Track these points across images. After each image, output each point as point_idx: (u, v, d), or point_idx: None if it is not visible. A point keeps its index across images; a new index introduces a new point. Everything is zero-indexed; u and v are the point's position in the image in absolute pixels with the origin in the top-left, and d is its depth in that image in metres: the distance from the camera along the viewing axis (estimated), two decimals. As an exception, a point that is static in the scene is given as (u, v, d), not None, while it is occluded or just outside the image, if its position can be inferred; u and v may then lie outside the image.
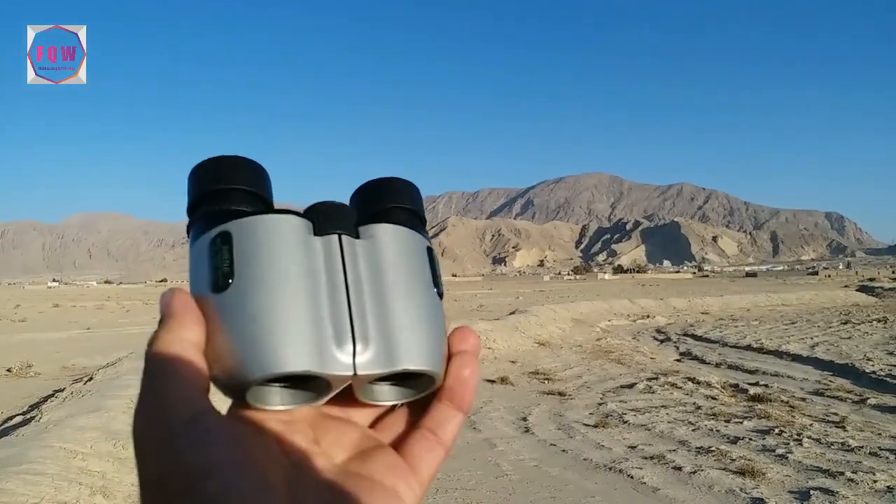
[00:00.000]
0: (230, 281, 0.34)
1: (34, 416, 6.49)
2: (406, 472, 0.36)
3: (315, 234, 0.37)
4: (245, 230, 0.36)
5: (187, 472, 0.29)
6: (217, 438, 0.30)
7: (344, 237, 0.38)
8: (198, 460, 0.29)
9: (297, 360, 0.33)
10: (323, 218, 0.38)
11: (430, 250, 0.41)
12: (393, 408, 0.39)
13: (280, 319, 0.34)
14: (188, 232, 0.38)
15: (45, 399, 8.15)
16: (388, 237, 0.39)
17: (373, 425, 0.39)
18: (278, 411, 0.35)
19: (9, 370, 11.25)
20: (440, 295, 0.39)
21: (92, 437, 5.41)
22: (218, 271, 0.35)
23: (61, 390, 8.38)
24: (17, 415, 7.53)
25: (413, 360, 0.36)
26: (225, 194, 0.38)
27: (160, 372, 0.32)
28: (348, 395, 0.36)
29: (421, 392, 0.38)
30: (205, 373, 0.33)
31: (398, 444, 0.37)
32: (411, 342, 0.36)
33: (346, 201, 0.42)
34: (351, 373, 0.34)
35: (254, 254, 0.35)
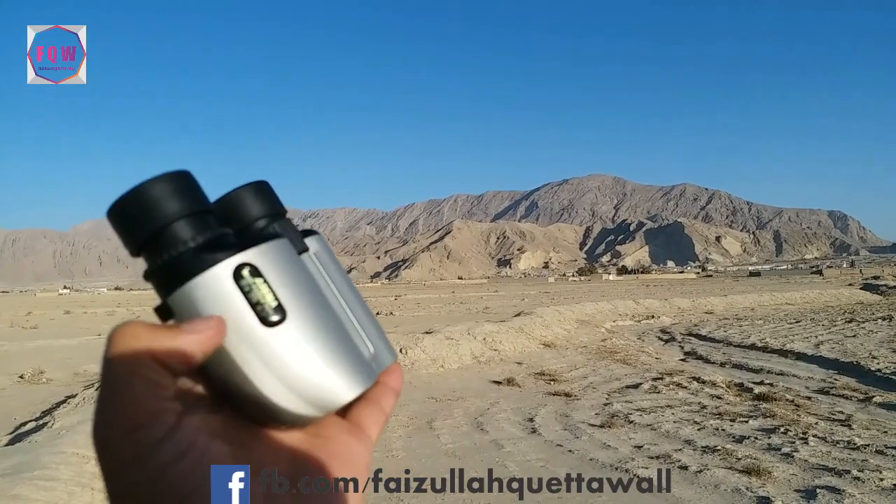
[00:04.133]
0: (280, 316, 0.34)
1: (47, 422, 6.55)
2: (357, 432, 0.41)
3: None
4: (267, 260, 0.35)
5: (164, 495, 0.29)
6: (194, 455, 0.31)
7: (311, 254, 0.42)
8: (175, 482, 0.30)
9: (361, 382, 0.37)
10: (293, 236, 0.41)
11: None
12: None
13: (337, 346, 0.36)
14: (150, 276, 0.35)
15: (58, 405, 8.21)
16: (322, 248, 0.44)
17: None
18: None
19: (21, 377, 11.30)
20: None
21: (104, 442, 5.45)
22: (265, 307, 0.34)
23: (73, 396, 8.45)
24: (30, 421, 7.59)
25: (393, 352, 0.44)
26: (182, 226, 0.34)
27: (125, 376, 0.31)
28: None
29: None
30: (164, 379, 0.32)
31: (343, 413, 0.41)
32: (384, 339, 0.44)
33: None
34: (375, 380, 0.40)
35: (289, 284, 0.35)
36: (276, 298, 0.34)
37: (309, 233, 0.44)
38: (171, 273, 0.34)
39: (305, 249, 0.42)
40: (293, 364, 0.34)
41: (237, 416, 0.36)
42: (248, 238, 0.36)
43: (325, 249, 0.44)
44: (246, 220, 0.41)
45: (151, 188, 0.34)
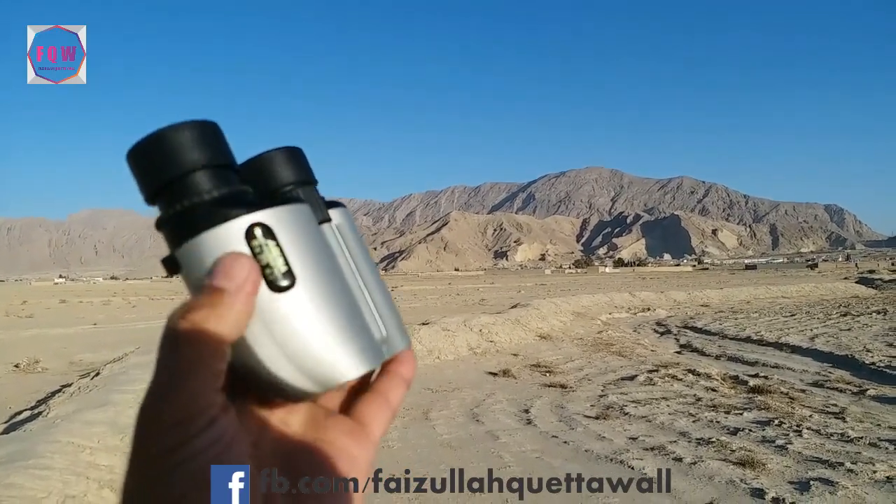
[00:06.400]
0: (289, 282, 0.33)
1: (42, 412, 6.54)
2: (359, 432, 0.39)
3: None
4: (283, 223, 0.33)
5: (186, 482, 0.30)
6: (227, 445, 0.31)
7: (333, 225, 0.40)
8: (202, 468, 0.30)
9: (371, 359, 0.35)
10: (315, 204, 0.39)
11: None
12: None
13: (348, 318, 0.35)
14: (162, 224, 0.34)
15: (53, 394, 8.21)
16: (346, 222, 0.42)
17: None
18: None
19: (16, 366, 11.30)
20: None
21: (99, 431, 5.46)
22: (273, 269, 0.33)
23: (68, 385, 8.44)
24: (25, 410, 7.59)
25: (406, 337, 0.41)
26: (205, 175, 0.33)
27: (189, 366, 0.31)
28: None
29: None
30: (224, 367, 0.32)
31: (346, 409, 0.40)
32: (399, 321, 0.42)
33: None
34: (387, 357, 0.39)
35: (304, 250, 0.34)
36: (287, 263, 0.33)
37: (334, 204, 0.42)
38: (182, 223, 0.33)
39: (328, 220, 0.40)
40: (296, 334, 0.33)
41: (243, 407, 0.35)
42: (269, 200, 0.34)
43: (349, 223, 0.42)
44: (274, 184, 0.40)
45: (176, 134, 0.33)
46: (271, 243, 0.33)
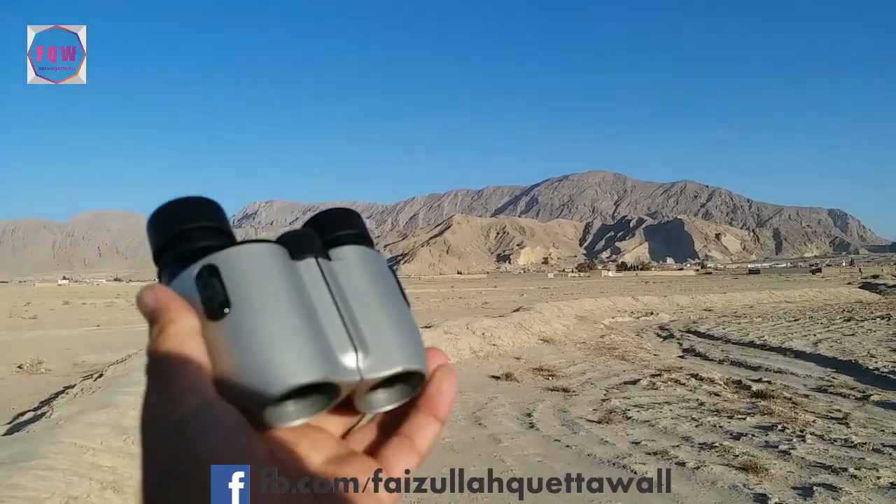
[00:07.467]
0: (226, 309, 0.36)
1: (45, 413, 6.55)
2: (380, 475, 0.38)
3: (293, 258, 0.40)
4: (231, 261, 0.37)
5: (191, 458, 0.31)
6: (222, 427, 0.32)
7: (320, 259, 0.41)
8: (203, 446, 0.31)
9: (312, 370, 0.36)
10: (295, 244, 0.41)
11: (391, 266, 0.45)
12: (362, 418, 0.42)
13: (288, 335, 0.36)
14: (160, 278, 0.39)
15: (56, 395, 8.21)
16: (357, 256, 0.43)
17: (344, 436, 0.41)
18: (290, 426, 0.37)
19: (20, 367, 11.30)
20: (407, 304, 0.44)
21: (102, 432, 5.46)
22: (212, 301, 0.36)
23: (72, 387, 8.45)
24: (28, 411, 7.59)
25: (409, 360, 0.40)
26: (191, 233, 0.39)
27: (165, 366, 0.33)
28: None
29: (409, 395, 0.41)
30: (207, 362, 0.35)
31: (372, 452, 0.39)
32: (403, 345, 0.40)
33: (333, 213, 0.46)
34: (358, 377, 0.38)
35: (245, 281, 0.37)
36: (225, 294, 0.36)
37: (354, 241, 0.44)
38: (165, 272, 0.39)
39: (311, 255, 0.41)
40: (230, 355, 0.35)
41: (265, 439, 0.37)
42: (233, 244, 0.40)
43: (364, 263, 0.43)
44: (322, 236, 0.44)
45: (186, 202, 0.40)
46: (214, 280, 0.37)
